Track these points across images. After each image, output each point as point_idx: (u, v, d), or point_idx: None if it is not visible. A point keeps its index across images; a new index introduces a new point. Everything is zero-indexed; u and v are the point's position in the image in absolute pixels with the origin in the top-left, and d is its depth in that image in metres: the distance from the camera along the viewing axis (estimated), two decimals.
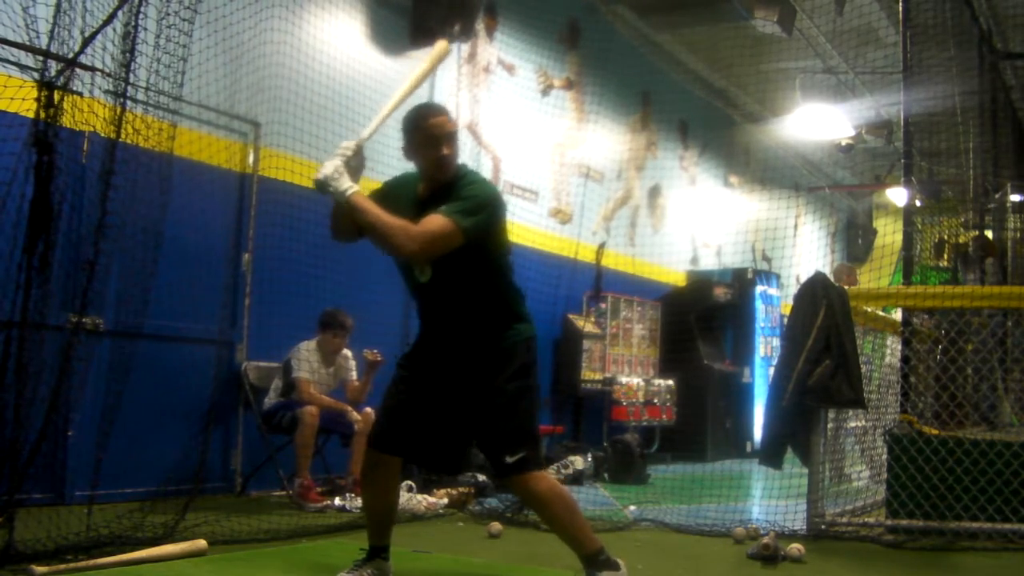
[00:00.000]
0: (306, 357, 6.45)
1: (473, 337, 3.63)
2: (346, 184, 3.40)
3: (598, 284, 10.53)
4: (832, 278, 6.26)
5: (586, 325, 10.08)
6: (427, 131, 3.56)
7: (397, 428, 3.66)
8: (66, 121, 4.37)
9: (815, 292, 5.46)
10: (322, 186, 3.41)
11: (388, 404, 3.76)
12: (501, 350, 3.60)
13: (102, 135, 4.58)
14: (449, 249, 3.45)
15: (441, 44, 3.87)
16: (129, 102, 4.60)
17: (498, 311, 3.64)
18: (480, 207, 3.50)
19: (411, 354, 3.81)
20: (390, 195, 3.72)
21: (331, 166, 3.41)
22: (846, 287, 5.84)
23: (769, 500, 6.56)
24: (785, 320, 6.22)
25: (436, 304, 3.69)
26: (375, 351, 6.50)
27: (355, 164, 3.50)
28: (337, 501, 6.06)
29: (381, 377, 6.70)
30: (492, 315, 3.63)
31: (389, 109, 3.64)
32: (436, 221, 3.40)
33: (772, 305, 12.97)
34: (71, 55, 4.40)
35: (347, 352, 6.68)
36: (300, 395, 6.34)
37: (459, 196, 3.49)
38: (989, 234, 8.57)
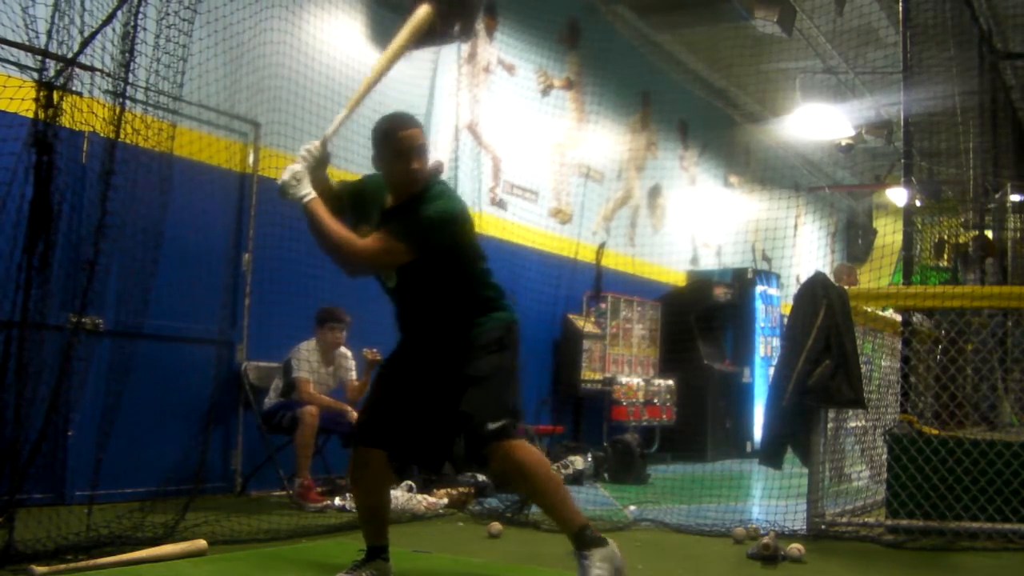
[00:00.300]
0: (306, 357, 6.45)
1: (444, 333, 3.66)
2: (304, 191, 3.45)
3: (598, 284, 10.53)
4: (832, 278, 6.26)
5: (586, 325, 10.08)
6: (397, 144, 3.54)
7: (378, 422, 3.68)
8: (66, 121, 4.37)
9: (815, 292, 5.46)
10: (282, 192, 3.46)
11: (370, 400, 3.83)
12: (474, 336, 3.62)
13: (102, 135, 4.58)
14: (395, 265, 3.53)
15: (422, 9, 3.80)
16: (129, 102, 4.60)
17: (468, 309, 3.66)
18: (435, 226, 3.51)
19: (392, 355, 3.85)
20: (365, 193, 3.74)
21: (290, 172, 3.46)
22: (846, 287, 5.85)
23: (769, 500, 6.56)
24: (785, 320, 6.22)
25: (406, 306, 3.74)
26: (374, 350, 6.50)
27: (318, 161, 3.54)
28: (337, 501, 6.05)
29: None
30: (462, 313, 3.65)
31: (361, 92, 3.61)
32: (382, 241, 3.46)
33: (772, 305, 12.97)
34: (70, 55, 4.40)
35: (347, 351, 6.68)
36: (300, 395, 6.34)
37: (417, 214, 3.51)
38: (989, 234, 8.57)
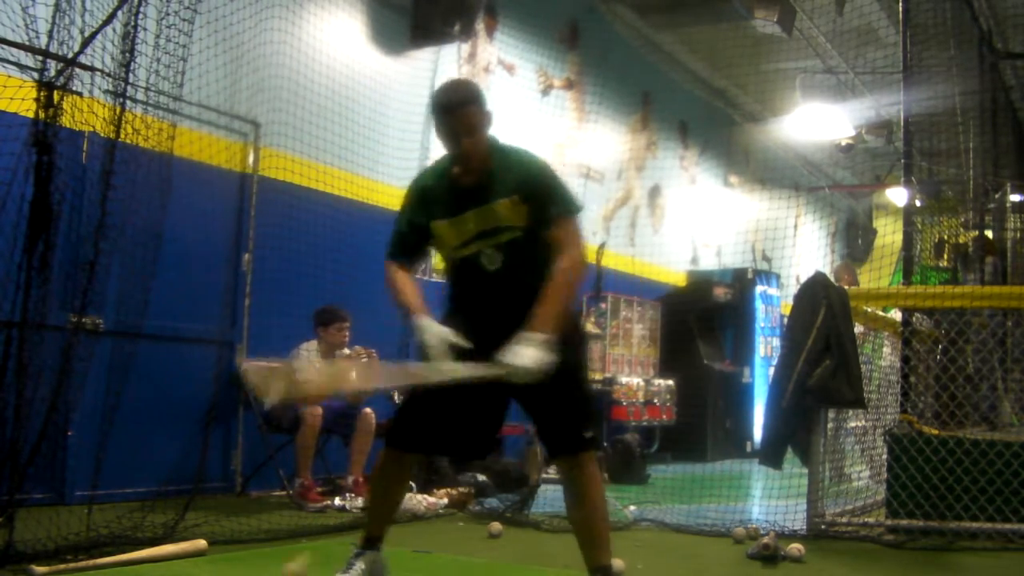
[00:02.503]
0: (308, 357, 6.44)
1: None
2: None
3: (598, 284, 10.52)
4: (832, 278, 6.26)
5: (586, 325, 10.07)
6: (461, 119, 3.33)
7: (426, 425, 3.40)
8: (66, 121, 4.37)
9: (815, 292, 5.46)
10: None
11: (416, 402, 3.45)
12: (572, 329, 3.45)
13: (102, 135, 4.58)
14: None
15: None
16: (129, 102, 4.60)
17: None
18: (561, 183, 3.44)
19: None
20: (425, 195, 3.53)
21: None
22: (846, 287, 5.85)
23: (769, 500, 6.55)
24: (785, 320, 6.22)
25: (500, 291, 3.44)
26: (371, 349, 6.50)
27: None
28: (337, 501, 6.06)
29: None
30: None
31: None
32: (569, 228, 3.35)
33: (772, 305, 12.97)
34: (71, 55, 4.40)
35: (347, 352, 6.67)
36: None
37: (547, 186, 3.38)
38: (989, 234, 8.56)
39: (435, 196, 3.49)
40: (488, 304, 3.49)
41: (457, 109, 3.35)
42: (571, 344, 3.34)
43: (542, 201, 3.35)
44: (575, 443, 3.32)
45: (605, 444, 8.90)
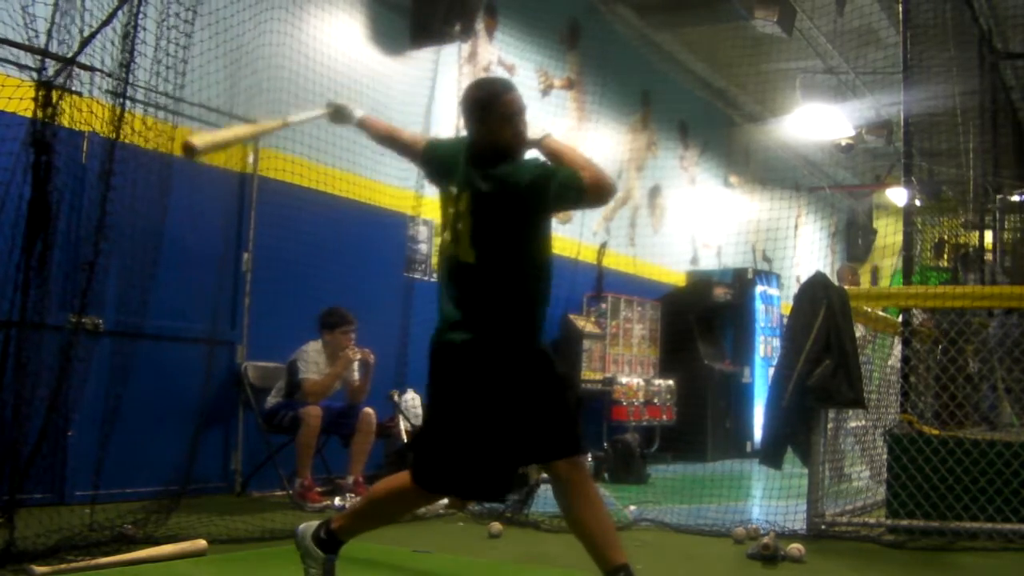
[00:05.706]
0: (314, 359, 6.44)
1: (536, 329, 3.38)
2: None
3: (598, 284, 10.52)
4: (835, 279, 6.25)
5: (586, 325, 10.08)
6: (504, 108, 3.36)
7: (459, 468, 3.20)
8: (65, 121, 4.37)
9: (815, 292, 5.46)
10: (336, 114, 3.68)
11: (448, 442, 3.23)
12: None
13: (102, 135, 4.58)
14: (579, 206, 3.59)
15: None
16: (129, 102, 4.60)
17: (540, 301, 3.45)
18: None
19: (461, 378, 3.23)
20: (437, 158, 3.54)
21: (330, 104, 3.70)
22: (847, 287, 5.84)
23: (769, 500, 6.55)
24: (785, 320, 6.22)
25: (488, 290, 3.30)
26: (365, 349, 6.50)
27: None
28: (337, 501, 6.06)
29: (378, 374, 6.72)
30: (540, 303, 3.42)
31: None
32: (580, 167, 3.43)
33: (772, 305, 12.96)
34: (70, 55, 4.40)
35: (349, 352, 6.66)
36: (306, 395, 6.32)
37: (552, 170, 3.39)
38: (988, 235, 8.56)
39: (452, 166, 3.43)
40: (468, 308, 3.32)
41: (514, 90, 3.44)
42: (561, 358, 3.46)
43: (538, 188, 3.35)
44: (578, 444, 3.27)
45: (605, 444, 8.91)
